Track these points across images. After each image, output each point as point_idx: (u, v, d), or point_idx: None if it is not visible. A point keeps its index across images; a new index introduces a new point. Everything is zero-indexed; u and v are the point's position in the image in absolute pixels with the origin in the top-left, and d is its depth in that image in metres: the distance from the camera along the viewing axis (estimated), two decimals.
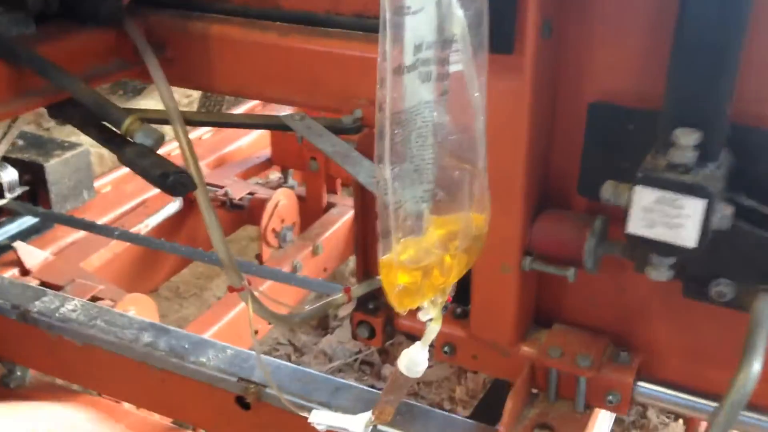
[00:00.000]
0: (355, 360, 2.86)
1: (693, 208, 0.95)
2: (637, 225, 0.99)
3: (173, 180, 0.94)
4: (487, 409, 1.92)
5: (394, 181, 0.80)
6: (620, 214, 1.12)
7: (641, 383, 1.19)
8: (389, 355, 2.84)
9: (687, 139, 0.93)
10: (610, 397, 1.18)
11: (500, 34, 0.98)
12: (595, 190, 1.10)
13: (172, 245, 1.77)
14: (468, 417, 2.13)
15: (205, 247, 1.95)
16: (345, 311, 3.02)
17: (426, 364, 0.97)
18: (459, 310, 1.31)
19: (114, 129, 1.11)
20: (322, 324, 3.02)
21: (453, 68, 0.80)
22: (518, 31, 1.01)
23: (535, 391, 1.27)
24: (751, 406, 1.10)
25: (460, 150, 0.83)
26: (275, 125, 1.20)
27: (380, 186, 0.81)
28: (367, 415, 1.01)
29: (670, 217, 0.97)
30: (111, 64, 1.23)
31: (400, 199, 0.83)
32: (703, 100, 0.94)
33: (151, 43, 1.24)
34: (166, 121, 1.13)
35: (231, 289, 1.12)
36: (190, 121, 1.16)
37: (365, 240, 1.35)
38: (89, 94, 1.09)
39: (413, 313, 1.40)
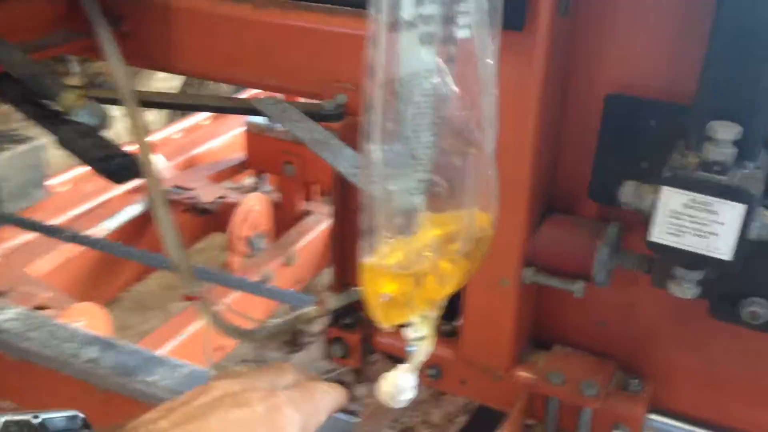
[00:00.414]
0: (328, 379, 2.70)
1: (730, 214, 0.81)
2: (661, 232, 0.85)
3: (117, 164, 0.78)
4: None
5: (384, 166, 0.65)
6: (634, 222, 0.99)
7: (653, 415, 1.05)
8: (363, 375, 2.69)
9: (726, 132, 0.80)
10: (618, 431, 1.03)
11: (510, 7, 0.85)
12: (608, 193, 0.96)
13: (127, 249, 1.60)
14: None
15: None
16: (318, 326, 2.86)
17: (414, 392, 0.82)
18: (447, 327, 1.16)
19: (56, 107, 0.95)
20: (293, 340, 2.85)
21: (461, 33, 0.66)
22: (531, 5, 0.87)
23: (530, 422, 1.12)
24: None
25: (466, 132, 0.68)
26: (245, 109, 1.04)
27: (365, 173, 0.66)
28: None
29: (701, 224, 0.83)
30: (57, 35, 1.07)
31: (389, 190, 0.68)
32: (744, 88, 0.81)
33: (106, 14, 1.08)
34: (116, 101, 0.97)
35: (186, 298, 0.96)
36: (145, 101, 1.00)
37: (344, 245, 1.19)
38: (26, 66, 0.93)
39: (395, 332, 1.25)
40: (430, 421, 2.55)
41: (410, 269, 0.73)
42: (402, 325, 0.80)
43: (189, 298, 1.00)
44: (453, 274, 0.74)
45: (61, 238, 1.67)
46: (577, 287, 0.99)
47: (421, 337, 0.79)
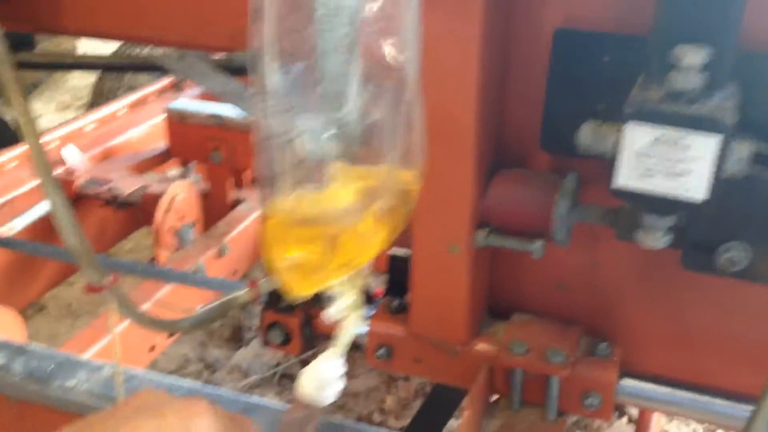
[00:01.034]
0: (274, 374, 2.59)
1: (703, 148, 0.73)
2: (627, 176, 0.76)
3: None
4: (426, 421, 1.68)
5: (284, 95, 0.53)
6: (592, 173, 0.90)
7: (625, 380, 0.97)
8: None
9: (693, 56, 0.71)
10: (590, 400, 0.95)
11: None
12: (562, 141, 0.88)
13: (33, 244, 1.44)
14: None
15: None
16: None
17: (341, 383, 0.70)
18: (396, 303, 1.06)
19: None
20: (236, 336, 2.72)
21: None
22: None
23: (495, 397, 1.03)
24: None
25: (384, 55, 0.56)
26: (146, 66, 0.91)
27: (262, 104, 0.54)
28: None
29: (672, 163, 0.74)
30: None
31: (290, 129, 0.56)
32: (711, 7, 0.72)
33: None
34: None
35: (89, 289, 0.83)
36: (25, 63, 0.86)
37: None
38: None
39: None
40: (384, 408, 2.46)
41: (321, 227, 0.62)
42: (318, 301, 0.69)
43: (93, 290, 0.87)
44: (374, 233, 0.63)
45: None
46: (536, 247, 0.90)
47: (343, 311, 0.68)
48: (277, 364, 2.59)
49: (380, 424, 2.41)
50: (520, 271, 1.02)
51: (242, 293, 1.03)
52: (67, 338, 2.70)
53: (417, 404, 2.46)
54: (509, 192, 0.92)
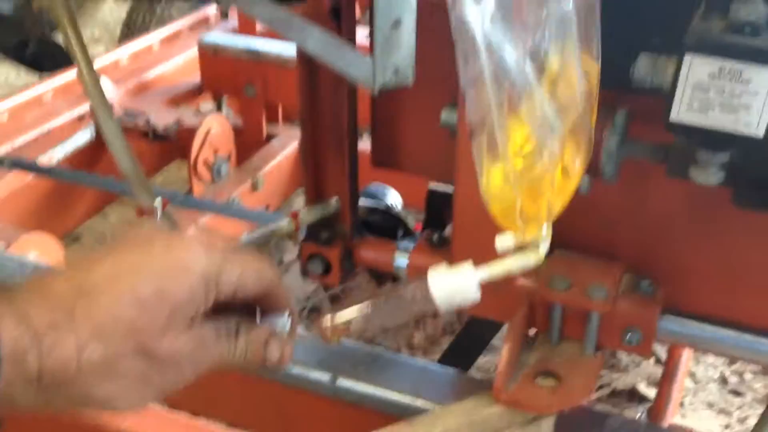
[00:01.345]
0: (304, 308, 2.62)
1: (764, 82, 0.71)
2: (684, 110, 0.75)
3: (33, 50, 0.64)
4: (457, 355, 1.70)
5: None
6: (642, 108, 0.88)
7: (666, 317, 0.97)
8: (341, 302, 2.61)
9: None
10: (630, 336, 0.95)
11: None
12: (613, 76, 0.85)
13: (73, 173, 1.46)
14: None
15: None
16: (291, 255, 2.76)
17: (478, 296, 0.72)
18: (436, 236, 1.06)
19: None
20: None
21: None
22: None
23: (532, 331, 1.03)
24: None
25: None
26: None
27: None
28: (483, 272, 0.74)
29: (730, 97, 0.73)
30: None
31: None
32: None
33: None
34: None
35: (139, 213, 0.84)
36: None
37: (316, 153, 1.07)
38: None
39: (379, 244, 1.14)
40: (413, 343, 2.49)
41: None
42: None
43: (143, 213, 0.88)
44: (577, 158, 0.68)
45: (5, 166, 1.52)
46: (583, 182, 0.89)
47: (511, 247, 0.70)
48: (307, 298, 2.62)
49: None
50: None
51: (284, 223, 1.04)
52: None
53: (445, 341, 2.49)
54: None
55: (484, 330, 1.66)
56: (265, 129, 2.32)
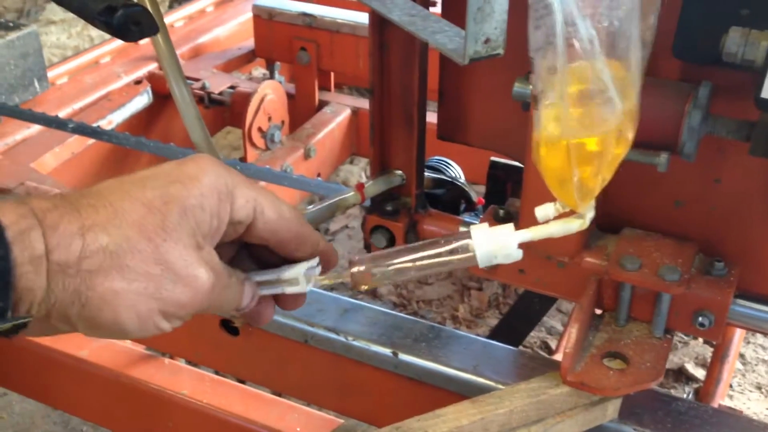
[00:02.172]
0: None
1: None
2: None
3: (122, 16, 0.63)
4: (506, 331, 1.69)
5: None
6: (724, 83, 0.85)
7: (738, 301, 0.94)
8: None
9: None
10: (701, 319, 0.93)
11: None
12: (698, 49, 0.82)
13: (137, 139, 1.46)
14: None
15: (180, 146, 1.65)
16: (336, 224, 2.77)
17: (520, 255, 0.71)
18: (502, 212, 1.04)
19: None
20: None
21: None
22: None
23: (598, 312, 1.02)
24: None
25: None
26: None
27: None
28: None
29: None
30: None
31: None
32: None
33: None
34: None
35: None
36: None
37: (383, 124, 1.06)
38: None
39: (443, 218, 1.13)
40: (457, 316, 2.48)
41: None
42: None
43: None
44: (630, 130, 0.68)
45: (68, 130, 1.53)
46: (662, 160, 0.86)
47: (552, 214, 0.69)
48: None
49: None
50: (634, 184, 0.99)
51: (350, 195, 1.03)
52: None
53: (490, 314, 2.48)
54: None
55: (534, 306, 1.64)
56: (317, 96, 2.31)
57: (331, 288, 2.60)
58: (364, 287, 0.72)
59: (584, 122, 0.68)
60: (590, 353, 0.93)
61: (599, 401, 0.91)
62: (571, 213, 0.75)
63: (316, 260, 0.72)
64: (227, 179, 0.61)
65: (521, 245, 0.72)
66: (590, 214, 0.74)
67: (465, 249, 0.70)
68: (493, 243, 0.69)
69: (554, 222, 0.73)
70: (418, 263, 0.71)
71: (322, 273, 0.73)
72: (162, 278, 0.57)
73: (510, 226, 0.71)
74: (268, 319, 0.72)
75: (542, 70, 0.65)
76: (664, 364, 0.92)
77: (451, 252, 0.71)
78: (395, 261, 0.71)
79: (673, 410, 0.95)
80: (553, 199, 0.94)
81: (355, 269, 0.71)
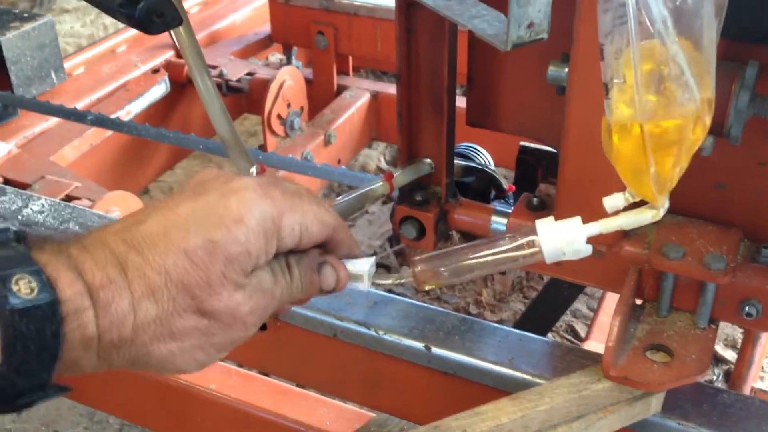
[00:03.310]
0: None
1: None
2: None
3: (145, 7, 0.60)
4: (534, 318, 1.66)
5: None
6: None
7: None
8: (407, 257, 2.58)
9: None
10: (748, 309, 0.89)
11: None
12: (745, 26, 0.78)
13: (158, 131, 1.44)
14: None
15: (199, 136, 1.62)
16: (357, 211, 2.74)
17: (589, 250, 0.68)
18: (536, 200, 1.01)
19: None
20: None
21: None
22: None
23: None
24: None
25: None
26: None
27: None
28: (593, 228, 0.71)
29: None
30: None
31: None
32: None
33: None
34: None
35: None
36: None
37: (411, 112, 1.02)
38: None
39: (475, 207, 1.10)
40: (481, 301, 2.45)
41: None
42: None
43: None
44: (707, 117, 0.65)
45: (87, 122, 1.51)
46: (707, 143, 0.82)
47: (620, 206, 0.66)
48: (374, 254, 2.60)
49: (477, 316, 2.41)
50: None
51: (378, 185, 1.00)
52: None
53: (513, 298, 2.45)
54: None
55: (563, 293, 1.61)
56: (336, 80, 2.27)
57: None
58: (428, 287, 0.71)
59: (660, 102, 0.64)
60: (632, 346, 0.90)
61: (642, 396, 0.88)
62: (641, 203, 0.72)
63: (374, 259, 0.71)
64: (273, 212, 0.61)
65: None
66: (666, 205, 0.70)
67: (531, 244, 0.68)
68: (561, 238, 0.66)
69: (625, 213, 0.70)
70: (482, 260, 0.69)
71: None
72: (211, 328, 0.59)
73: (577, 219, 0.68)
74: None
75: (611, 55, 0.62)
76: (710, 356, 0.88)
77: (517, 248, 0.68)
78: (460, 259, 0.69)
79: (719, 403, 0.92)
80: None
81: (418, 268, 0.70)
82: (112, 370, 0.59)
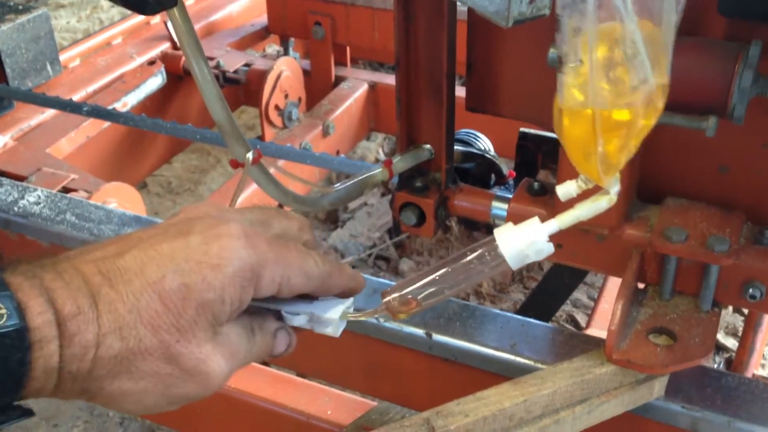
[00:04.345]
0: (370, 255, 2.59)
1: None
2: None
3: None
4: (535, 306, 1.65)
5: None
6: None
7: None
8: (406, 249, 2.58)
9: None
10: (752, 291, 0.88)
11: None
12: (749, 4, 0.77)
13: (154, 121, 1.43)
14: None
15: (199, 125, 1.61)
16: (355, 202, 2.73)
17: (551, 249, 0.67)
18: (537, 184, 1.00)
19: None
20: (331, 218, 2.73)
21: None
22: None
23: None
24: None
25: None
26: None
27: None
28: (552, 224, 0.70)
29: None
30: None
31: None
32: None
33: None
34: None
35: (234, 164, 0.80)
36: None
37: (410, 98, 1.01)
38: None
39: (475, 193, 1.09)
40: (481, 291, 2.45)
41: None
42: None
43: (237, 164, 0.84)
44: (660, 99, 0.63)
45: (83, 113, 1.50)
46: (710, 124, 0.81)
47: (575, 191, 0.65)
48: (373, 245, 2.59)
49: None
50: (677, 150, 0.94)
51: (377, 171, 0.99)
52: (167, 216, 2.76)
53: (513, 289, 2.44)
54: (682, 62, 0.82)
55: (564, 281, 1.60)
56: (333, 71, 2.26)
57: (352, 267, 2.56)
58: (401, 316, 0.70)
59: (613, 90, 0.63)
60: (635, 330, 0.89)
61: (645, 379, 0.87)
62: (595, 190, 0.71)
63: (351, 301, 0.70)
64: (253, 260, 0.59)
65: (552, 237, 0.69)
66: (615, 188, 0.69)
67: (494, 255, 0.67)
68: (520, 242, 0.65)
69: (580, 204, 0.69)
70: (449, 279, 0.68)
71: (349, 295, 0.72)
72: (171, 377, 0.58)
73: (535, 219, 0.67)
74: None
75: (568, 31, 0.61)
76: (713, 339, 0.88)
77: (480, 260, 0.67)
78: (426, 282, 0.68)
79: (723, 386, 0.91)
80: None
81: (388, 299, 0.69)
82: (62, 399, 0.58)
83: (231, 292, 0.58)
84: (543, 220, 0.68)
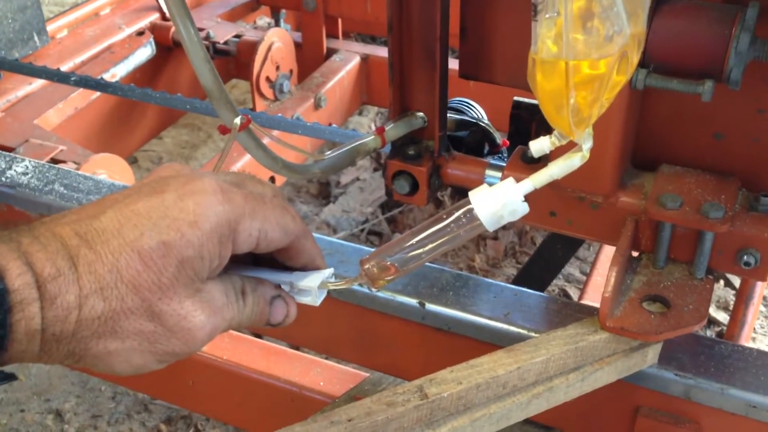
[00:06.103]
0: (362, 230, 2.59)
1: None
2: None
3: None
4: (528, 278, 1.65)
5: None
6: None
7: None
8: (399, 224, 2.57)
9: None
10: (746, 258, 0.88)
11: None
12: None
13: (143, 91, 1.41)
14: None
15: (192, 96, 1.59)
16: (348, 177, 2.72)
17: (526, 209, 0.66)
18: (530, 152, 0.98)
19: None
20: (323, 192, 2.72)
21: None
22: None
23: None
24: None
25: None
26: None
27: None
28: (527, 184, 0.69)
29: None
30: None
31: None
32: None
33: None
34: None
35: (223, 130, 0.79)
36: None
37: (403, 64, 1.00)
38: None
39: (469, 161, 1.08)
40: (474, 266, 2.45)
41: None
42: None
43: (226, 131, 0.82)
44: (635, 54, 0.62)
45: (70, 83, 1.48)
46: (706, 88, 0.80)
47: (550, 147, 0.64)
48: (365, 221, 2.58)
49: None
50: (670, 116, 0.93)
51: (369, 139, 0.98)
52: None
53: (506, 263, 2.45)
54: (677, 25, 0.81)
55: (557, 253, 1.60)
56: (325, 43, 2.24)
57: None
58: (381, 283, 0.69)
59: (587, 41, 0.62)
60: (629, 297, 0.89)
61: (639, 347, 0.87)
62: (569, 147, 0.70)
63: (330, 271, 0.70)
64: (230, 216, 0.59)
65: (551, 185, 0.68)
66: (588, 144, 0.69)
67: (470, 217, 0.66)
68: (495, 203, 0.64)
69: (553, 162, 0.68)
70: (426, 242, 0.67)
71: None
72: (155, 334, 0.58)
73: (509, 180, 0.66)
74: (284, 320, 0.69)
75: None
76: (707, 306, 0.87)
77: (457, 223, 0.67)
78: (403, 246, 0.68)
79: (716, 353, 0.91)
80: None
81: (366, 266, 0.68)
82: (49, 363, 0.58)
83: (210, 248, 0.58)
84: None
